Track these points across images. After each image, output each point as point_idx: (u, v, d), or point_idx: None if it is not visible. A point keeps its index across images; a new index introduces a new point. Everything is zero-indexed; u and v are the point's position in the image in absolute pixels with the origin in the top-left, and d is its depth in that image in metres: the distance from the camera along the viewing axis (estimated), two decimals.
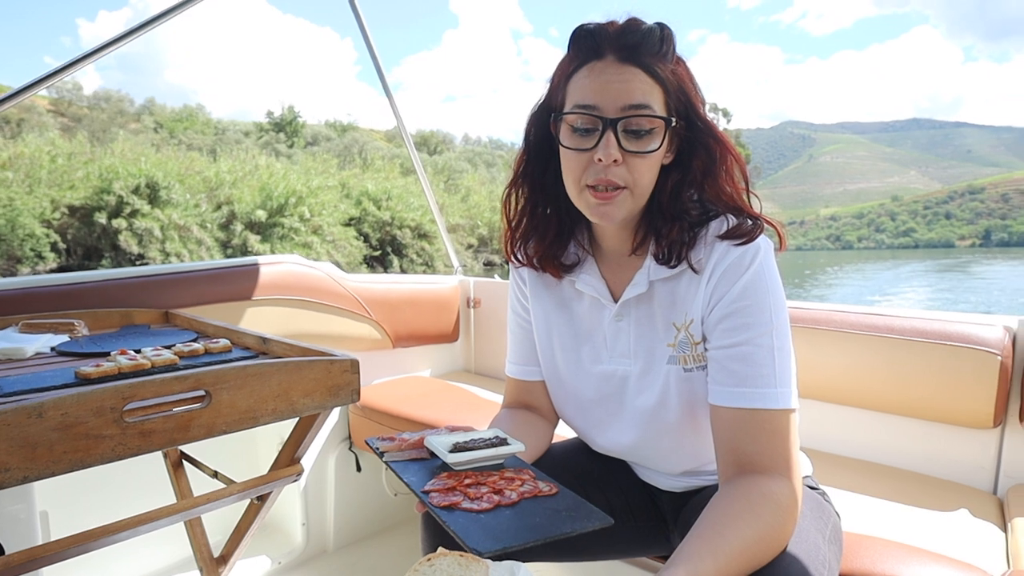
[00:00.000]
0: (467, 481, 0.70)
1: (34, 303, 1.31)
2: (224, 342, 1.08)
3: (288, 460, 1.02)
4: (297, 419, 1.00)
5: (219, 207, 20.02)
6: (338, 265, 1.99)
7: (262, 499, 1.08)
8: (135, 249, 17.62)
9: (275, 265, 1.76)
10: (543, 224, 0.92)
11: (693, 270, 0.81)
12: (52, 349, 1.11)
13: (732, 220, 0.81)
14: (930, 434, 1.41)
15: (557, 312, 0.95)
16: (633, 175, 0.78)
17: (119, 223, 17.53)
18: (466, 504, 0.66)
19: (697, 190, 0.84)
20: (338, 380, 0.89)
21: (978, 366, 1.30)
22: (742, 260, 0.78)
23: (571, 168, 0.81)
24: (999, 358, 1.29)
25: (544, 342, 0.97)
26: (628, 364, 0.89)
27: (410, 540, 1.92)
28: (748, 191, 0.83)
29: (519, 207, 0.92)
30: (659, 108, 0.77)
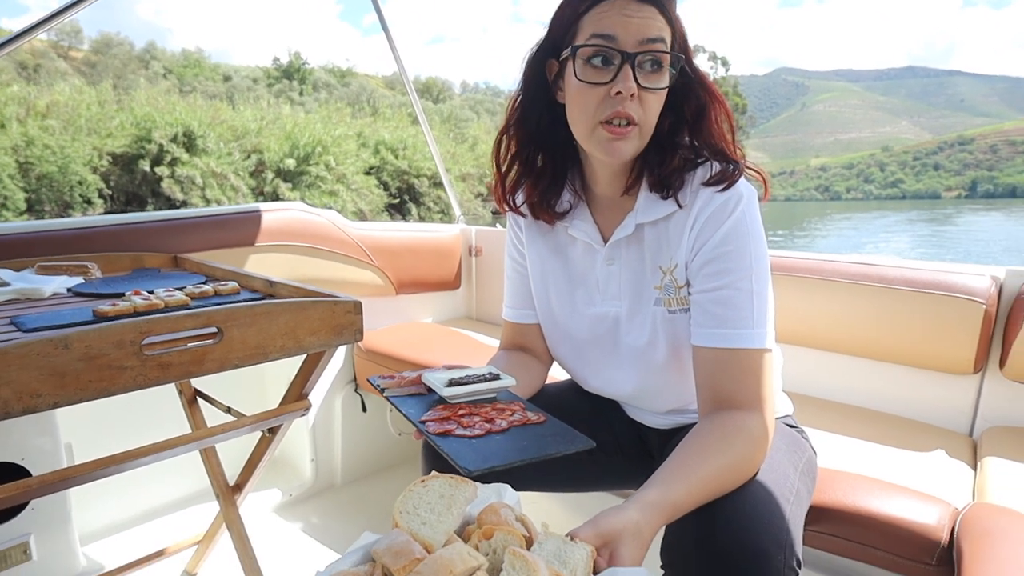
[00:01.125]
0: (461, 412, 0.76)
1: (48, 246, 1.36)
2: (232, 284, 1.12)
3: (296, 396, 1.08)
4: (304, 357, 1.06)
5: (248, 156, 20.41)
6: (362, 213, 2.03)
7: (273, 432, 1.15)
8: (179, 196, 18.11)
9: (280, 212, 1.79)
10: (535, 172, 0.94)
11: (679, 205, 0.84)
12: (68, 290, 1.16)
13: (716, 167, 0.83)
14: (912, 380, 1.47)
15: (552, 258, 0.99)
16: (644, 111, 0.80)
17: (161, 171, 18.23)
18: (459, 431, 0.71)
19: (687, 134, 0.87)
20: (342, 320, 0.94)
21: (963, 314, 1.34)
22: (725, 207, 0.81)
23: (585, 103, 0.81)
24: (984, 307, 1.33)
25: (539, 287, 1.01)
26: (618, 305, 0.93)
27: (413, 476, 1.99)
28: (734, 142, 0.85)
29: (511, 154, 0.94)
30: (669, 45, 0.80)
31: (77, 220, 1.46)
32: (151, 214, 1.57)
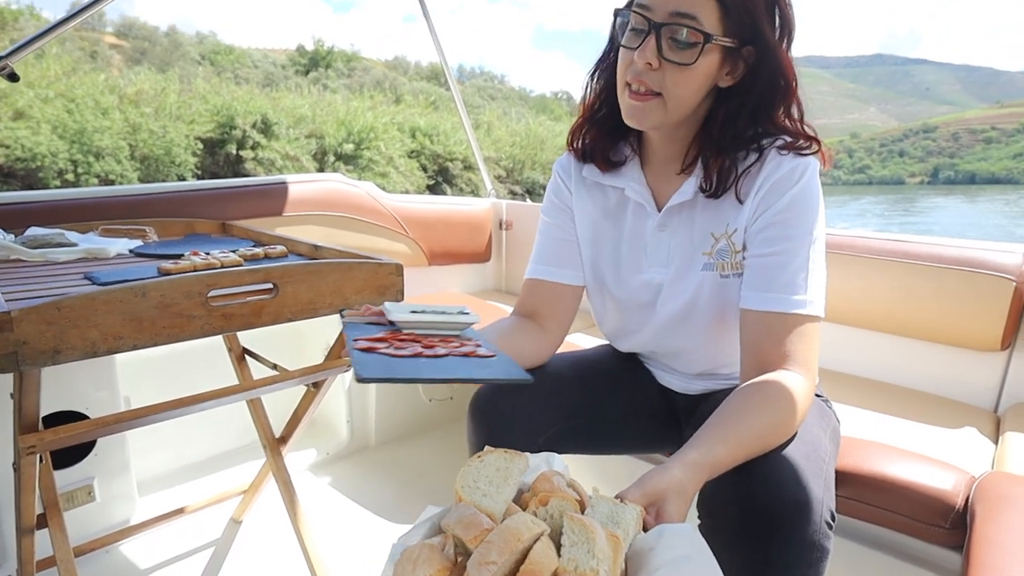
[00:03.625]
0: (402, 338, 0.69)
1: (110, 211, 1.45)
2: (281, 248, 1.20)
3: (339, 352, 1.16)
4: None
5: (310, 139, 21.86)
6: (408, 192, 2.09)
7: (317, 386, 1.23)
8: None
9: (320, 183, 1.86)
10: (602, 120, 0.97)
11: (738, 200, 0.87)
12: (130, 251, 1.25)
13: (787, 138, 0.85)
14: (939, 356, 1.48)
15: (603, 221, 1.01)
16: (667, 83, 0.81)
17: (245, 154, 19.85)
18: (385, 350, 0.64)
19: (751, 122, 0.86)
20: (384, 281, 1.00)
21: (992, 291, 1.35)
22: (792, 174, 0.82)
23: (620, 65, 0.85)
24: (1013, 283, 1.33)
25: (588, 248, 1.03)
26: (663, 272, 0.96)
27: (443, 442, 2.08)
28: (803, 125, 0.86)
29: (592, 96, 0.97)
30: (709, 24, 0.78)
31: (134, 188, 1.55)
32: (201, 183, 1.66)
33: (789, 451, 0.76)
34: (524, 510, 0.57)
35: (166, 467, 1.81)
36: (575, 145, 1.02)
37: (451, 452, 2.03)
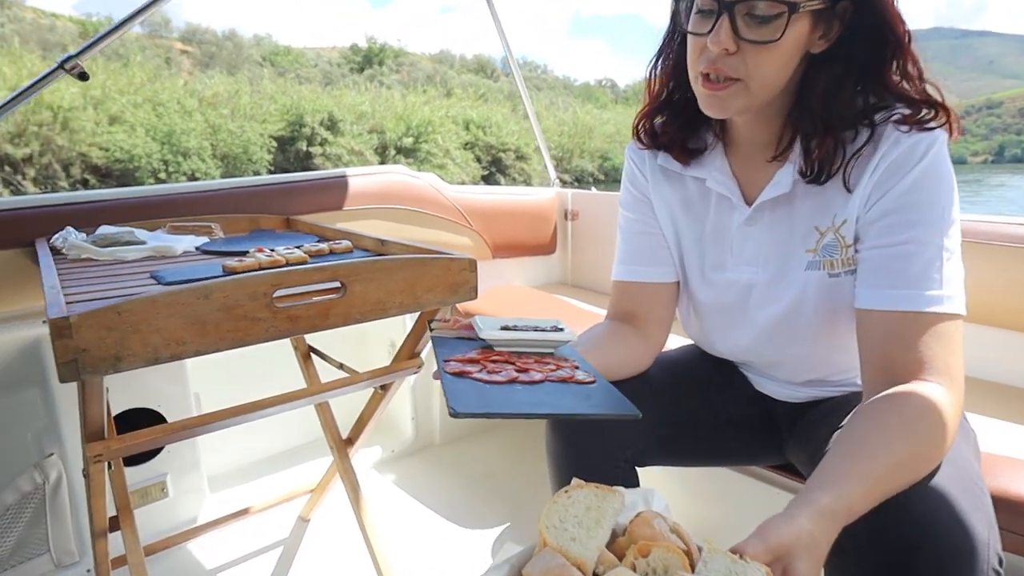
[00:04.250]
0: (495, 358, 0.63)
1: (177, 208, 1.44)
2: (346, 243, 1.14)
3: (409, 353, 1.09)
4: (417, 315, 1.06)
5: (371, 134, 23.19)
6: (464, 183, 2.03)
7: (385, 388, 1.17)
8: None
9: (383, 175, 1.81)
10: (675, 107, 0.87)
11: (847, 187, 0.75)
12: (196, 248, 1.22)
13: (904, 108, 0.73)
14: None
15: (682, 212, 0.91)
16: (749, 66, 0.71)
17: (314, 150, 21.07)
18: (478, 375, 0.58)
19: (858, 89, 0.73)
20: (457, 278, 0.92)
21: None
22: (915, 150, 0.70)
23: (690, 53, 0.76)
24: None
25: (671, 240, 0.94)
26: (754, 272, 0.85)
27: (510, 440, 2.02)
28: (922, 85, 0.72)
29: (658, 83, 0.88)
30: None
31: (200, 184, 1.54)
32: (264, 178, 1.63)
33: (939, 479, 0.62)
34: (620, 560, 0.49)
35: (234, 464, 1.81)
36: (643, 135, 0.93)
37: (519, 451, 1.96)
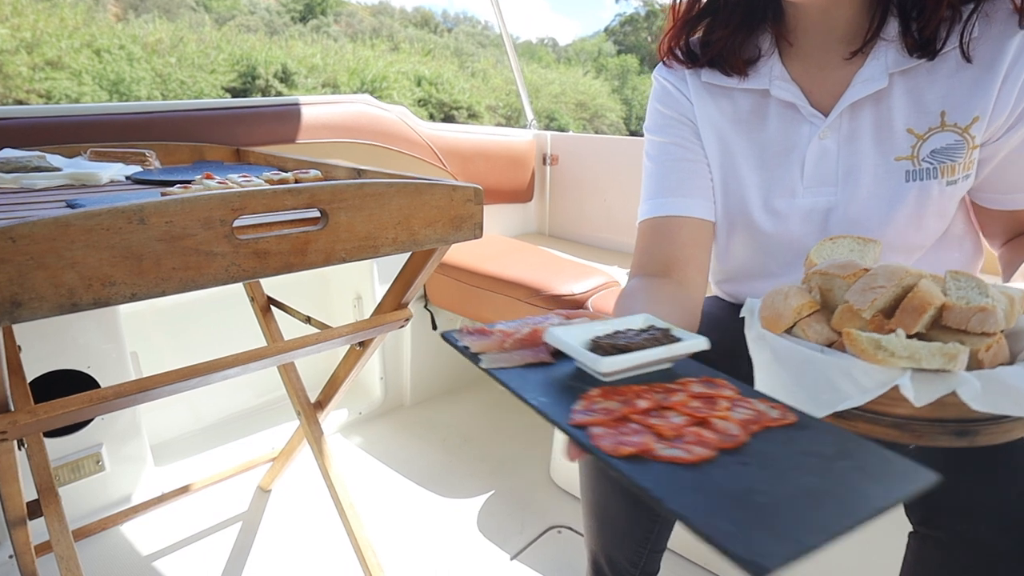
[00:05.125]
0: (641, 403, 0.41)
1: (101, 132, 1.20)
2: (315, 172, 0.95)
3: (395, 303, 0.92)
4: (407, 256, 0.89)
5: (326, 89, 22.11)
6: None
7: (364, 345, 1.01)
8: None
9: (346, 105, 1.59)
10: (727, 9, 0.72)
11: (966, 58, 0.62)
12: (127, 178, 1.01)
13: None
14: None
15: (734, 132, 0.76)
16: None
17: None
18: (663, 450, 0.36)
19: None
20: (461, 210, 0.76)
21: None
22: None
23: None
24: None
25: (718, 170, 0.79)
26: (832, 194, 0.72)
27: (482, 399, 1.91)
28: None
29: None
30: None
31: (131, 105, 1.29)
32: (209, 102, 1.39)
33: None
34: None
35: (183, 430, 1.62)
36: (680, 54, 0.78)
37: (499, 409, 1.85)
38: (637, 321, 0.52)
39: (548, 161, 2.10)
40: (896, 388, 0.42)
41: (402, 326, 0.93)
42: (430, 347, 1.85)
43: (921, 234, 0.72)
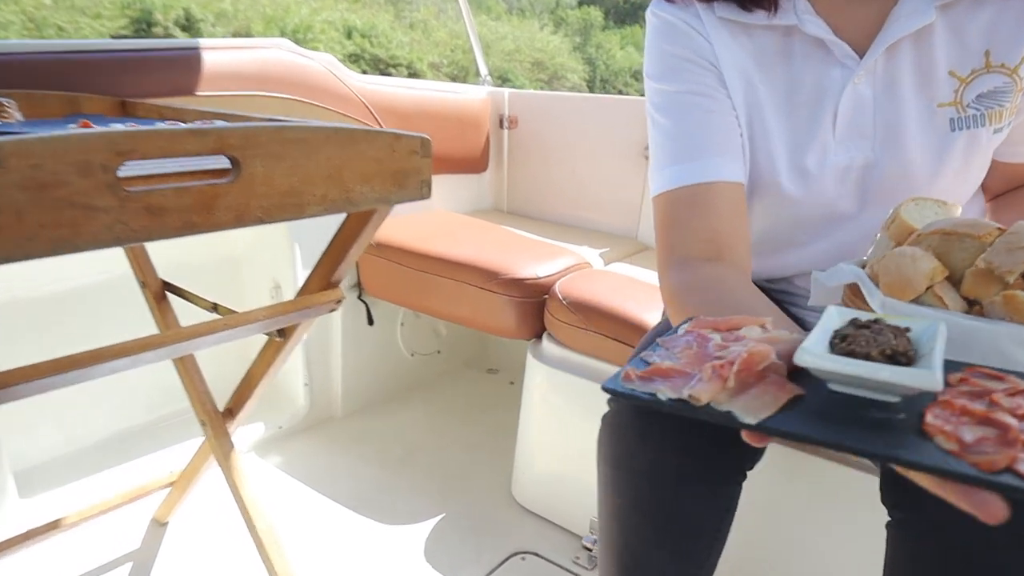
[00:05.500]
0: (1006, 419, 0.38)
1: None
2: (224, 124, 0.91)
3: (324, 283, 0.90)
4: (342, 219, 0.87)
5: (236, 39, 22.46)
6: None
7: (285, 335, 0.97)
8: None
9: (260, 51, 1.54)
10: None
11: None
12: None
13: None
14: None
15: (759, 74, 0.76)
16: None
17: None
18: None
19: None
20: (405, 164, 0.74)
21: None
22: None
23: None
24: None
25: (744, 126, 0.78)
26: (870, 149, 0.74)
27: (428, 406, 1.90)
28: None
29: None
30: None
31: None
32: (89, 43, 1.33)
33: None
34: None
35: (55, 452, 1.54)
36: None
37: (444, 419, 1.85)
38: (833, 317, 0.48)
39: (506, 124, 2.09)
40: None
41: (332, 310, 0.91)
42: (365, 346, 1.82)
43: (964, 188, 0.76)
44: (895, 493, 0.64)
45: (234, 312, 0.96)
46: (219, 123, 0.92)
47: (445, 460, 1.65)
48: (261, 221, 0.64)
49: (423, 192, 0.77)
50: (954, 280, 0.53)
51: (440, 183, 2.03)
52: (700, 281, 0.69)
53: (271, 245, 1.68)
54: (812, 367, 0.42)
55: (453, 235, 1.71)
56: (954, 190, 0.75)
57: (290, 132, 0.65)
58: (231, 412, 1.11)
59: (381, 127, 1.74)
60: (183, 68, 1.42)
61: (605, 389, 0.44)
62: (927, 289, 0.52)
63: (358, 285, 1.78)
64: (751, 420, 0.40)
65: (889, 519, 0.66)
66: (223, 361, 1.43)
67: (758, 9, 0.74)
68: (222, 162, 0.62)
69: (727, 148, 0.75)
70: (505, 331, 1.49)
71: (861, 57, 0.72)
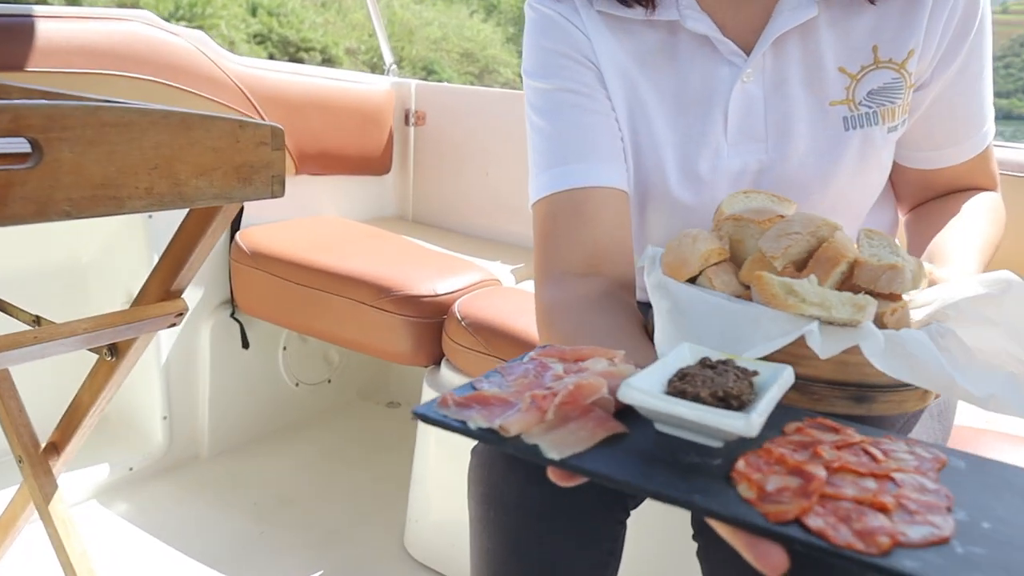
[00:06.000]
0: (815, 471, 0.42)
1: None
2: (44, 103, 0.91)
3: (161, 292, 0.91)
4: (182, 217, 0.88)
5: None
6: None
7: (117, 353, 0.97)
8: None
9: (114, 23, 1.55)
10: None
11: None
12: None
13: None
14: None
15: (641, 75, 0.82)
16: None
17: None
18: (910, 530, 0.38)
19: None
20: (251, 156, 0.76)
21: None
22: None
23: None
24: None
25: (625, 129, 0.84)
26: (762, 151, 0.81)
27: (314, 446, 1.91)
28: None
29: None
30: None
31: None
32: None
33: None
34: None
35: None
36: None
37: (328, 462, 1.86)
38: (684, 355, 0.53)
39: (412, 119, 2.14)
40: (800, 347, 0.52)
41: (172, 324, 0.92)
42: (239, 373, 1.82)
43: (864, 193, 0.83)
44: (698, 521, 0.71)
45: (52, 323, 0.96)
46: (20, 100, 0.92)
47: (329, 508, 1.65)
48: (69, 216, 0.65)
49: (274, 190, 0.79)
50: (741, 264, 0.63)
51: (335, 185, 2.07)
52: (573, 300, 0.74)
53: (124, 251, 1.66)
54: (631, 403, 0.45)
55: (344, 245, 1.73)
56: (850, 195, 0.83)
57: (107, 113, 0.66)
58: (55, 447, 1.10)
59: (263, 119, 1.76)
60: (13, 39, 1.40)
61: (415, 414, 0.47)
62: (702, 271, 0.61)
63: (231, 301, 1.78)
64: (555, 455, 0.44)
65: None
66: (56, 389, 1.41)
67: (636, 4, 0.80)
68: (21, 145, 0.63)
69: (607, 152, 0.81)
70: (400, 356, 1.51)
71: (748, 55, 0.79)
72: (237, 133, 0.75)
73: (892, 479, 0.42)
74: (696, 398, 0.45)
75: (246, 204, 1.16)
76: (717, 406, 0.45)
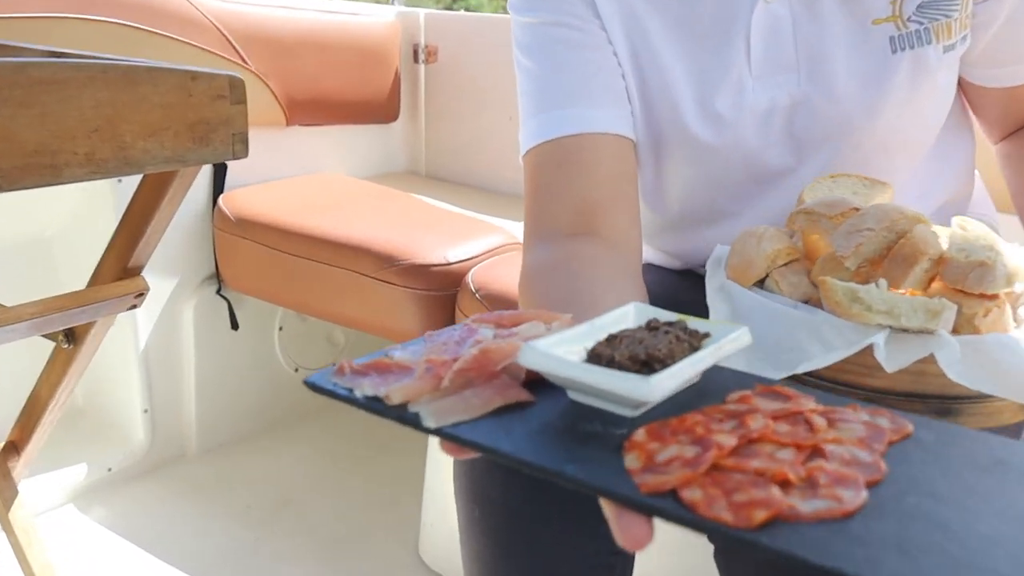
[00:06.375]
0: (723, 440, 0.43)
1: None
2: None
3: (118, 270, 0.93)
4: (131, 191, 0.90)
5: None
6: None
7: (75, 339, 1.00)
8: None
9: None
10: None
11: None
12: None
13: None
14: None
15: (647, 6, 0.81)
16: None
17: None
18: (803, 504, 0.39)
19: None
20: (206, 113, 0.78)
21: None
22: None
23: None
24: None
25: (628, 66, 0.83)
26: (793, 84, 0.80)
27: (317, 442, 1.94)
28: None
29: None
30: None
31: None
32: None
33: None
34: None
35: None
36: None
37: (330, 454, 1.89)
38: (628, 315, 0.55)
39: (422, 56, 2.15)
40: (870, 353, 0.53)
41: (133, 306, 0.94)
42: (228, 358, 1.86)
43: (920, 126, 0.82)
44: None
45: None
46: None
47: (333, 512, 1.68)
48: (0, 188, 0.66)
49: (236, 150, 0.80)
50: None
51: (333, 137, 2.09)
52: (559, 262, 0.74)
53: (93, 222, 1.70)
54: (528, 365, 0.47)
55: (345, 207, 1.75)
56: (903, 130, 0.81)
57: (37, 70, 0.68)
58: (15, 447, 1.14)
59: (246, 63, 1.78)
60: None
61: (307, 383, 0.50)
62: (768, 274, 0.62)
63: (216, 276, 1.81)
64: (432, 424, 0.45)
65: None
66: (17, 380, 1.45)
67: None
68: None
69: (603, 93, 0.81)
70: (405, 336, 1.52)
71: None
72: (189, 86, 0.76)
73: (821, 450, 0.42)
74: (611, 362, 0.46)
75: (230, 163, 1.17)
76: (638, 371, 0.45)
